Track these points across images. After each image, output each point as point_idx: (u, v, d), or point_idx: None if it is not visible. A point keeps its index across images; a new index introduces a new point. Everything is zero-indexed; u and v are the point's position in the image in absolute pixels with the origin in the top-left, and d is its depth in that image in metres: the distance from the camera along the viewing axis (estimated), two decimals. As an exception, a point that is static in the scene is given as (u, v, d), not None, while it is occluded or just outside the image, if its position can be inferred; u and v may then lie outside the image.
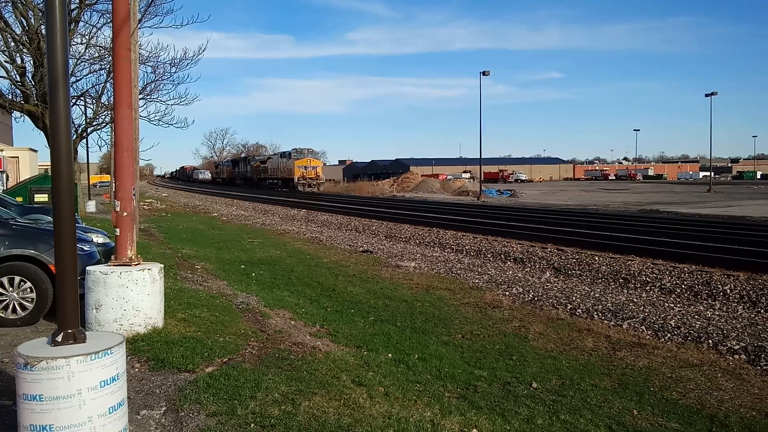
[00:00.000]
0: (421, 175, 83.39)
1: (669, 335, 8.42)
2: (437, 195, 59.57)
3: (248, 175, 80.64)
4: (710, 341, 8.04)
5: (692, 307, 10.16)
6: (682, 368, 6.95)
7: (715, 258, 13.73)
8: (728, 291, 10.94)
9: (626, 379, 6.58)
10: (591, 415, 5.53)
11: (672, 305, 10.28)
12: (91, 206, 29.85)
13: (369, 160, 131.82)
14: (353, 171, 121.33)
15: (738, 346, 7.76)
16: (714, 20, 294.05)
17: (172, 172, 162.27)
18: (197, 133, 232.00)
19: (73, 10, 19.49)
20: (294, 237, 20.81)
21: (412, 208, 34.46)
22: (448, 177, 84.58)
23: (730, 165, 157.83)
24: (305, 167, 59.83)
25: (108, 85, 22.84)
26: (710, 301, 10.60)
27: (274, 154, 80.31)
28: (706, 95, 61.62)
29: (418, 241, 19.57)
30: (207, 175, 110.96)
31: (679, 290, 11.38)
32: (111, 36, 7.25)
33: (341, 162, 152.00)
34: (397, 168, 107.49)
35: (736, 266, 12.72)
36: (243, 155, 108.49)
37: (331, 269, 13.54)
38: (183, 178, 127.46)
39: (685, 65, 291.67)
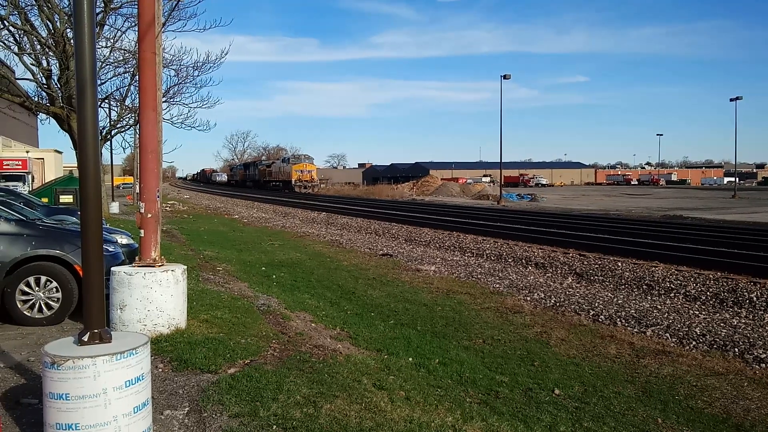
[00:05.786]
0: (441, 179, 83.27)
1: (694, 343, 8.29)
2: (457, 199, 59.46)
3: (256, 178, 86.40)
4: (736, 350, 7.90)
5: (718, 314, 9.99)
6: (708, 377, 6.84)
7: (741, 265, 13.49)
8: (755, 299, 10.74)
9: (650, 387, 6.48)
10: (615, 423, 5.46)
11: (697, 313, 10.12)
12: (114, 207, 30.25)
13: (389, 164, 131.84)
14: (373, 174, 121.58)
15: (765, 355, 7.61)
16: (739, 24, 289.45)
17: (193, 175, 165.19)
18: (219, 136, 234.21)
19: (98, 14, 19.78)
20: (314, 240, 20.88)
21: (432, 212, 34.42)
22: (468, 181, 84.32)
23: (755, 170, 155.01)
24: (301, 171, 66.02)
25: (132, 87, 23.16)
26: (736, 308, 10.41)
27: (278, 159, 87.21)
28: (731, 99, 60.54)
29: (438, 245, 19.52)
30: (224, 177, 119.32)
31: (704, 297, 11.19)
32: (135, 39, 7.35)
33: (361, 165, 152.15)
34: (416, 171, 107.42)
35: (763, 274, 12.49)
36: (263, 157, 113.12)
37: (351, 272, 13.55)
38: (204, 180, 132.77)
39: (709, 69, 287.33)
